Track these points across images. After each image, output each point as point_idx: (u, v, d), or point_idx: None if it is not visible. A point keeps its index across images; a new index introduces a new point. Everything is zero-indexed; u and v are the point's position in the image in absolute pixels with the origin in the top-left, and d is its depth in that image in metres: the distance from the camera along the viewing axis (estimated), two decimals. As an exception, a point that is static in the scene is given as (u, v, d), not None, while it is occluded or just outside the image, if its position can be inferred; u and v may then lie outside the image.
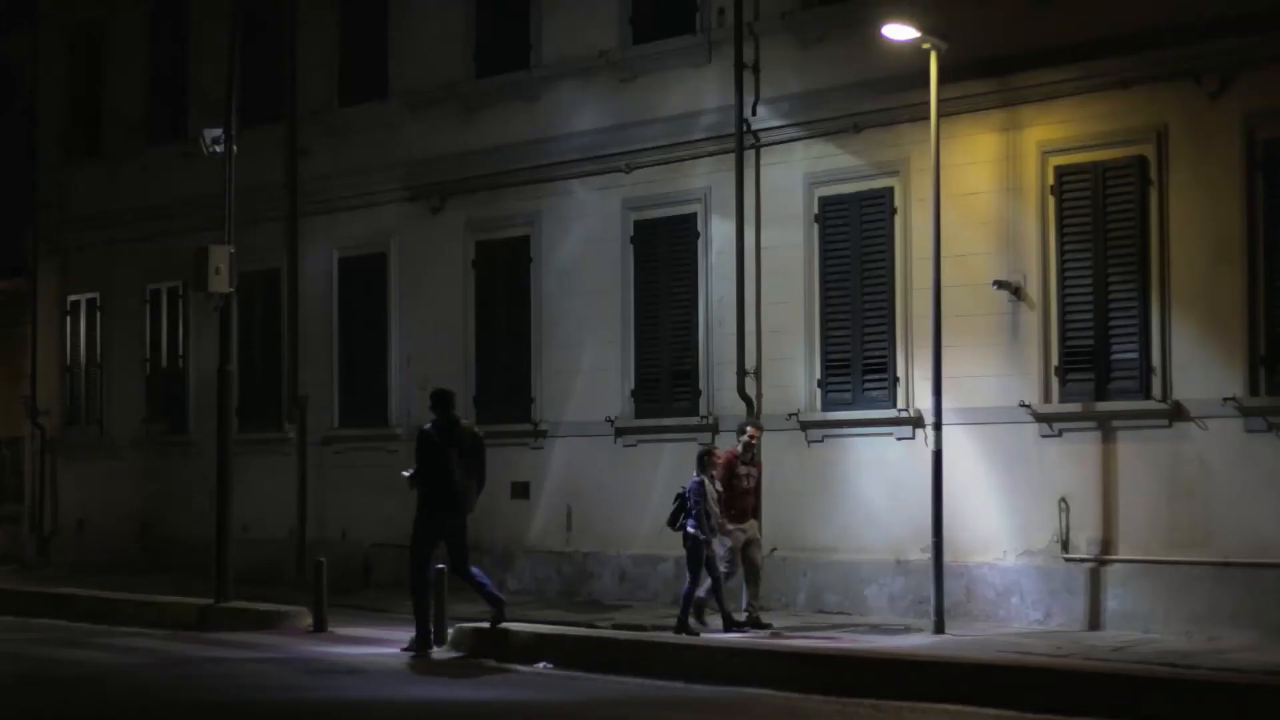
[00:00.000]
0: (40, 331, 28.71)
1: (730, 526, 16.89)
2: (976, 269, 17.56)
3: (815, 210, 19.07)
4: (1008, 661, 13.74)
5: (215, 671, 15.04)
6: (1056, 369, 17.21)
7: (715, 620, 16.85)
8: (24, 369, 29.09)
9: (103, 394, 27.46)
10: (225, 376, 19.70)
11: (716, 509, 16.64)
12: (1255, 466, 15.99)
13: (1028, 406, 17.30)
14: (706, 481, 16.61)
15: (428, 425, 16.55)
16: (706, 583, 16.65)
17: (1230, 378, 16.13)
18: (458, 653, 16.07)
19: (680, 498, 16.65)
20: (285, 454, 24.35)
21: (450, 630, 16.37)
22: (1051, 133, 17.31)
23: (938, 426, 16.73)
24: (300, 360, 24.38)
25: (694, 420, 19.89)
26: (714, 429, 19.63)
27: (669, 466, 19.71)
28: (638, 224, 20.69)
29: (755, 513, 17.41)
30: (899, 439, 18.25)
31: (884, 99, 18.31)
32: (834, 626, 17.14)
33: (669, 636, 15.93)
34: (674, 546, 17.91)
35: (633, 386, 20.60)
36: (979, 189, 17.70)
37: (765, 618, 17.16)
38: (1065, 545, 16.99)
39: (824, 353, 18.93)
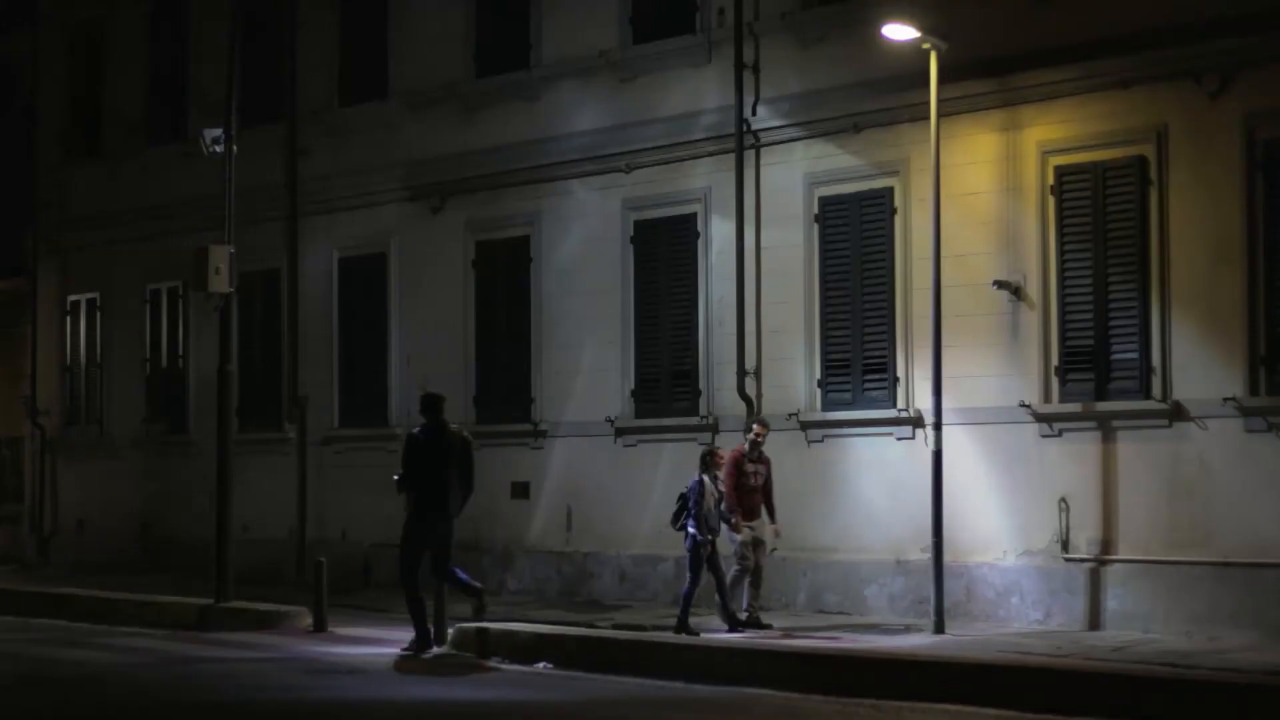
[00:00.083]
0: (40, 331, 28.72)
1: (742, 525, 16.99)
2: (976, 269, 17.56)
3: (815, 210, 19.07)
4: (1008, 661, 13.74)
5: (215, 671, 15.05)
6: (1056, 369, 17.21)
7: (713, 620, 16.85)
8: (24, 369, 29.09)
9: (103, 394, 27.46)
10: (225, 376, 19.70)
11: (716, 509, 16.64)
12: (1255, 466, 15.99)
13: (1028, 406, 17.30)
14: (706, 481, 16.61)
15: (416, 429, 16.57)
16: (733, 572, 16.76)
17: (1230, 378, 16.13)
18: (458, 653, 16.07)
19: (684, 498, 16.66)
20: (285, 454, 24.35)
21: (450, 630, 16.37)
22: (1051, 133, 17.31)
23: (938, 426, 16.73)
24: (300, 360, 24.38)
25: (694, 420, 19.89)
26: (714, 429, 19.63)
27: (669, 466, 19.71)
28: (638, 224, 20.68)
29: (772, 509, 17.42)
30: (899, 439, 18.25)
31: (884, 99, 18.31)
32: (834, 626, 17.14)
33: (669, 636, 15.92)
34: (674, 546, 17.93)
35: (633, 386, 20.60)
36: (979, 189, 17.70)
37: (765, 618, 17.18)
38: (1065, 545, 16.99)
39: (824, 353, 18.93)
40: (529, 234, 21.77)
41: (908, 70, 17.46)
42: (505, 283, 22.04)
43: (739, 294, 19.45)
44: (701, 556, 16.54)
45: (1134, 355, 16.71)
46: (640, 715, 12.67)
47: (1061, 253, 17.19)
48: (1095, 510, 16.83)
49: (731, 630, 16.50)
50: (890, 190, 18.45)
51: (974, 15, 17.68)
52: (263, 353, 24.75)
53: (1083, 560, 16.86)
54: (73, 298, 28.05)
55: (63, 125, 28.58)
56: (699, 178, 20.11)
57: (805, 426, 18.94)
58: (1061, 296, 17.16)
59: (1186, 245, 16.41)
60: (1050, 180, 17.29)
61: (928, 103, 16.76)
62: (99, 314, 27.62)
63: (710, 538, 16.57)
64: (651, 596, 19.94)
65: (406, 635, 16.28)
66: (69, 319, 28.12)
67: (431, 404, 16.53)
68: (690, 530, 16.52)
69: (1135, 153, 16.76)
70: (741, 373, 19.37)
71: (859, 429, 18.61)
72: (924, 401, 17.45)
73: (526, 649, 15.53)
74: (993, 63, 17.52)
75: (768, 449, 17.55)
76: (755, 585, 17.30)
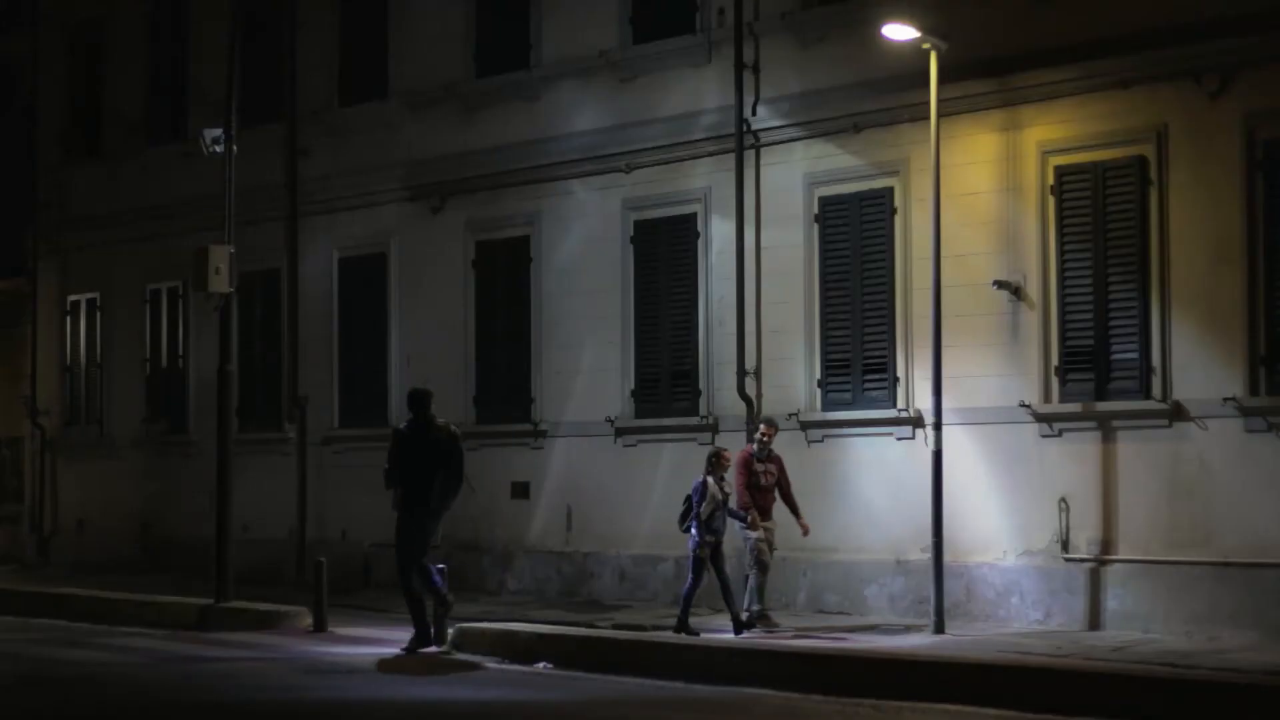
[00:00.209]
0: (40, 331, 28.71)
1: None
2: (976, 269, 17.56)
3: (815, 210, 19.07)
4: (1008, 661, 13.73)
5: (215, 671, 15.05)
6: (1056, 369, 17.21)
7: (713, 620, 16.84)
8: (24, 369, 29.09)
9: (103, 394, 27.46)
10: (225, 376, 19.69)
11: (723, 510, 16.63)
12: (1255, 466, 15.99)
13: (1028, 406, 17.30)
14: (710, 482, 16.59)
15: (403, 424, 16.54)
16: (754, 575, 16.77)
17: (1230, 378, 16.13)
18: (458, 653, 16.06)
19: (689, 499, 16.64)
20: (285, 454, 24.35)
21: (450, 630, 16.37)
22: (1051, 133, 17.31)
23: (938, 426, 16.74)
24: (300, 360, 24.37)
25: (694, 420, 19.89)
26: (714, 429, 19.63)
27: (669, 466, 19.72)
28: (638, 224, 20.68)
29: (796, 507, 17.41)
30: (899, 439, 18.26)
31: (884, 99, 18.31)
32: (834, 627, 17.14)
33: (669, 636, 15.92)
34: (673, 547, 17.93)
35: (633, 386, 20.60)
36: (979, 189, 17.70)
37: (771, 617, 17.16)
38: (1065, 545, 16.99)
39: (824, 353, 18.93)
40: (529, 234, 21.77)
41: (908, 70, 17.46)
42: (505, 283, 22.04)
43: (739, 294, 19.45)
44: (702, 558, 16.52)
45: (1134, 355, 16.71)
46: (640, 715, 12.66)
47: (1061, 253, 17.19)
48: (1095, 510, 16.83)
49: (738, 632, 16.40)
50: (890, 190, 18.45)
51: (974, 15, 17.69)
52: (263, 353, 24.75)
53: (1083, 560, 16.86)
54: (73, 298, 28.05)
55: (63, 125, 28.58)
56: (699, 178, 20.11)
57: (805, 426, 18.94)
58: (1061, 296, 17.16)
59: (1186, 245, 16.41)
60: (1050, 180, 17.29)
61: (928, 103, 16.76)
62: (99, 314, 27.61)
63: (711, 539, 16.55)
64: (651, 596, 19.94)
65: (406, 635, 16.29)
66: (69, 319, 28.12)
67: (418, 399, 16.44)
68: (692, 530, 16.50)
69: (1135, 153, 16.76)
70: (741, 373, 19.37)
71: (859, 429, 18.61)
72: (924, 401, 17.45)
73: (526, 649, 15.52)
74: (993, 63, 17.53)
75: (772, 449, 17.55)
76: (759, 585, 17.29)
